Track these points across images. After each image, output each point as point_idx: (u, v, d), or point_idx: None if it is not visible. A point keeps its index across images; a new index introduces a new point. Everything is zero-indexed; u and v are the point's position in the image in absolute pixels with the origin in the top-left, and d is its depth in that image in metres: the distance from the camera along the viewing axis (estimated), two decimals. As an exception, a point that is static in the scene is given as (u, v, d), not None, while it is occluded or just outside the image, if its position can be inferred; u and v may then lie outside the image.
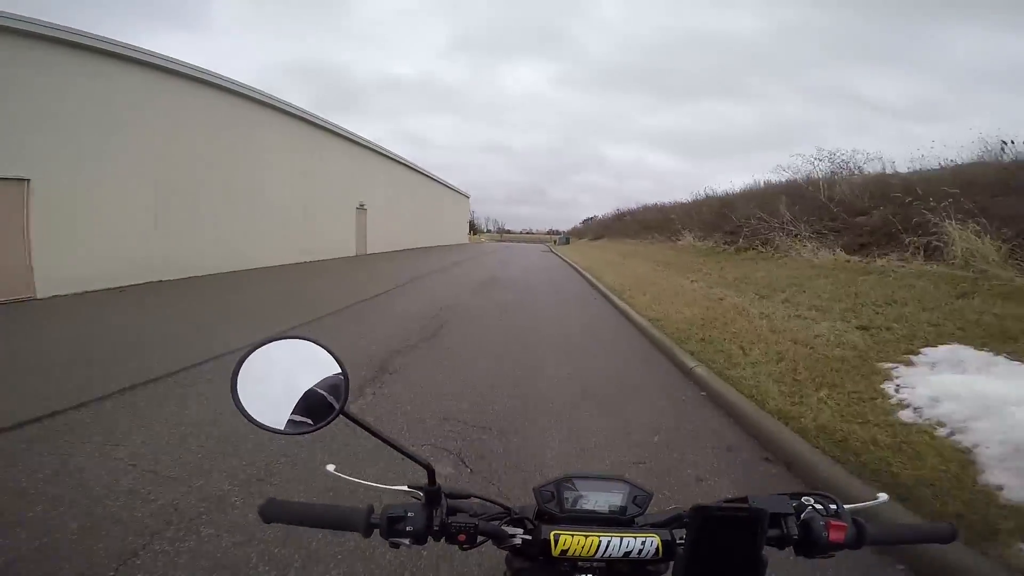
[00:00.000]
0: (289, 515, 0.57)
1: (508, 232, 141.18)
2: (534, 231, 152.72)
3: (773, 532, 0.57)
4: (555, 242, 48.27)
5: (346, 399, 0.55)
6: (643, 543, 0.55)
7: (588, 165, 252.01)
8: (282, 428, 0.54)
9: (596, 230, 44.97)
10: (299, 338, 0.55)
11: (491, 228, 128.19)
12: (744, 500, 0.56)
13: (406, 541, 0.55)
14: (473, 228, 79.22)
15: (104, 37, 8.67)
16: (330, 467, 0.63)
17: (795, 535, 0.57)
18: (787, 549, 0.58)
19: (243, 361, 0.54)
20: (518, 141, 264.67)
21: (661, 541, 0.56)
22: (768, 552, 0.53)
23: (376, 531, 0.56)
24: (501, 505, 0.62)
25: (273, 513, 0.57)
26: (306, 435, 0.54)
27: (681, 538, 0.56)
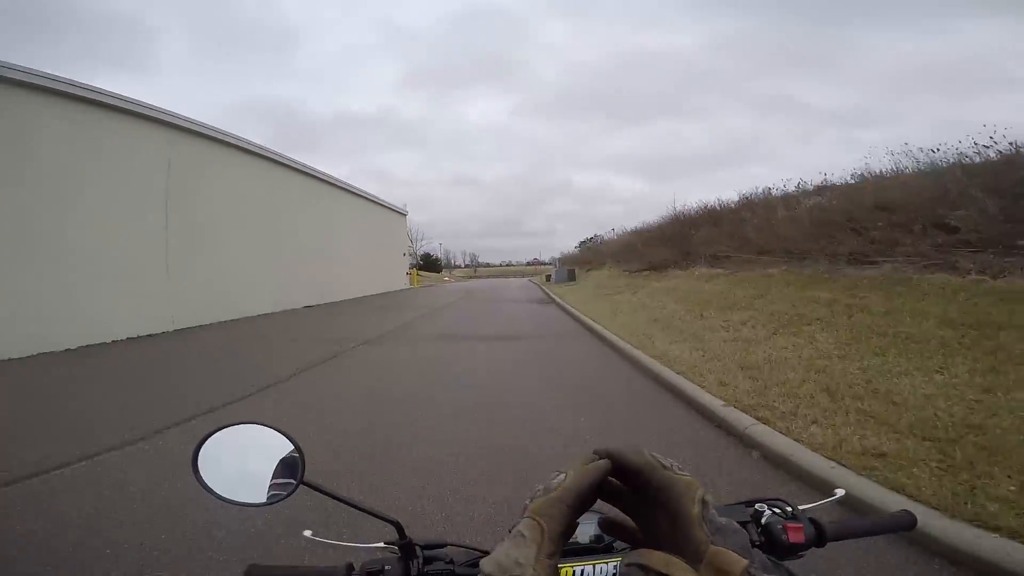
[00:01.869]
0: None
1: (486, 266, 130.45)
2: (513, 263, 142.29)
3: None
4: (547, 278, 31.06)
5: (303, 471, 0.57)
6: (615, 567, 0.55)
7: (558, 193, 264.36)
8: (250, 502, 0.56)
9: (587, 257, 34.05)
10: (251, 423, 0.58)
11: (466, 263, 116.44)
12: None
13: None
14: (428, 263, 65.10)
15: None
16: (307, 532, 0.67)
17: (758, 541, 0.57)
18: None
19: (202, 445, 0.56)
20: (486, 173, 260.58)
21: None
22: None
23: None
24: (477, 549, 0.63)
25: None
26: (275, 505, 0.57)
27: None
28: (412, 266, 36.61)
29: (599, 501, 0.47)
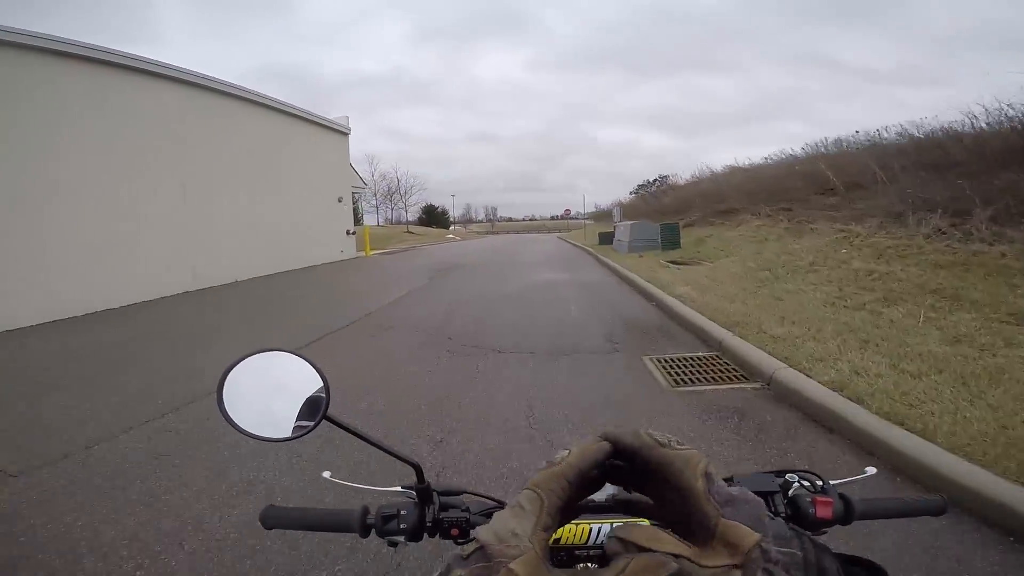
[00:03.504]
0: (288, 520, 0.60)
1: (508, 220, 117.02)
2: (537, 217, 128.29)
3: None
4: (601, 239, 17.90)
5: (328, 405, 0.55)
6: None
7: (581, 149, 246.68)
8: (271, 436, 0.55)
9: (656, 206, 20.73)
10: (278, 350, 0.57)
11: (484, 218, 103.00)
12: (729, 480, 0.55)
13: (401, 538, 0.56)
14: (431, 216, 52.10)
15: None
16: (325, 474, 0.64)
17: (783, 513, 0.56)
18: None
19: (227, 375, 0.55)
20: (505, 129, 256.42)
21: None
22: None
23: (372, 531, 0.57)
24: (494, 499, 0.62)
25: (273, 519, 0.60)
26: (295, 440, 0.54)
27: None
28: (359, 222, 23.79)
29: (608, 484, 0.49)
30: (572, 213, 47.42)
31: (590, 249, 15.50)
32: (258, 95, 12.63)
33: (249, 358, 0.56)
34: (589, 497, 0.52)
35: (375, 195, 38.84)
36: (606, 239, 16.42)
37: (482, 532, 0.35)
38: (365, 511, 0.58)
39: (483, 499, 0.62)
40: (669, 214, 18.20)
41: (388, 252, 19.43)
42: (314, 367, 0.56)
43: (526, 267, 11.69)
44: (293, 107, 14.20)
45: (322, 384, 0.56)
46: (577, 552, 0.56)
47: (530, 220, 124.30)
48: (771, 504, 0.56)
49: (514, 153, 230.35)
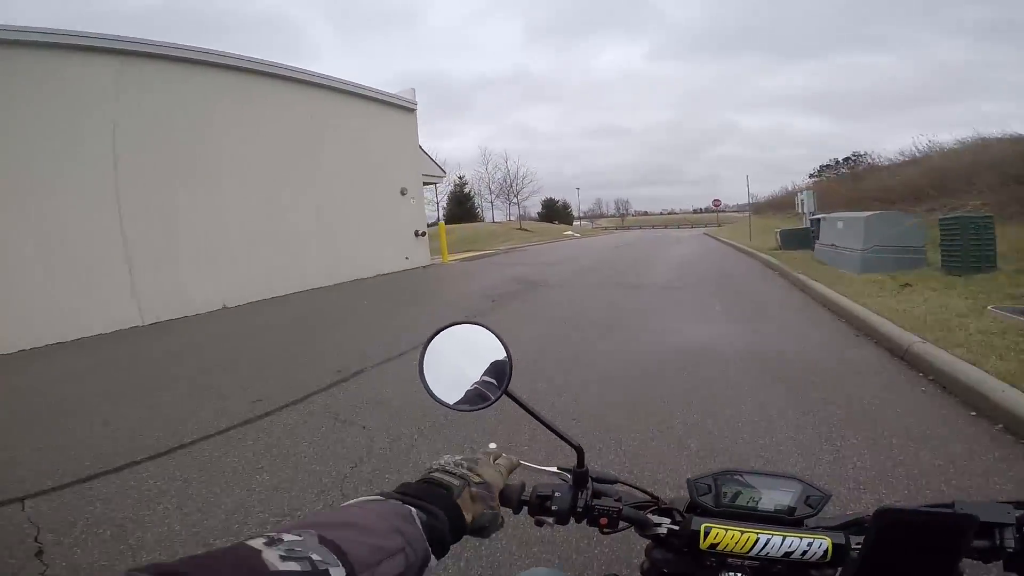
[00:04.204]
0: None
1: (643, 215, 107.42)
2: (677, 211, 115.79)
3: (982, 543, 0.48)
4: (782, 240, 11.36)
5: (509, 380, 0.57)
6: (809, 544, 0.49)
7: (721, 138, 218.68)
8: (457, 405, 0.58)
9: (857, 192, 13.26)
10: (473, 323, 0.60)
11: (615, 212, 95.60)
12: (949, 505, 0.48)
13: (550, 520, 0.56)
14: (551, 211, 47.34)
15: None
16: (492, 445, 0.64)
17: (1010, 548, 0.48)
18: (995, 565, 0.50)
19: (429, 343, 0.58)
20: (632, 122, 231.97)
21: (832, 544, 0.49)
22: (970, 566, 0.47)
23: (524, 508, 0.58)
24: (649, 494, 0.60)
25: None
26: (476, 411, 0.58)
27: (858, 543, 0.49)
28: (437, 218, 20.18)
29: (792, 481, 0.54)
30: (722, 205, 39.08)
31: (769, 258, 9.46)
32: (284, 68, 9.53)
33: (449, 329, 0.59)
34: (756, 506, 0.53)
35: (490, 190, 36.06)
36: (794, 240, 10.17)
37: (485, 472, 0.53)
38: (522, 487, 0.58)
39: (637, 491, 0.60)
40: (871, 202, 11.19)
41: (478, 256, 15.58)
42: (501, 342, 0.58)
43: (650, 294, 6.56)
44: (335, 80, 10.93)
45: (507, 359, 0.58)
46: (730, 560, 0.52)
47: (668, 214, 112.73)
48: (996, 537, 0.48)
49: (646, 145, 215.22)
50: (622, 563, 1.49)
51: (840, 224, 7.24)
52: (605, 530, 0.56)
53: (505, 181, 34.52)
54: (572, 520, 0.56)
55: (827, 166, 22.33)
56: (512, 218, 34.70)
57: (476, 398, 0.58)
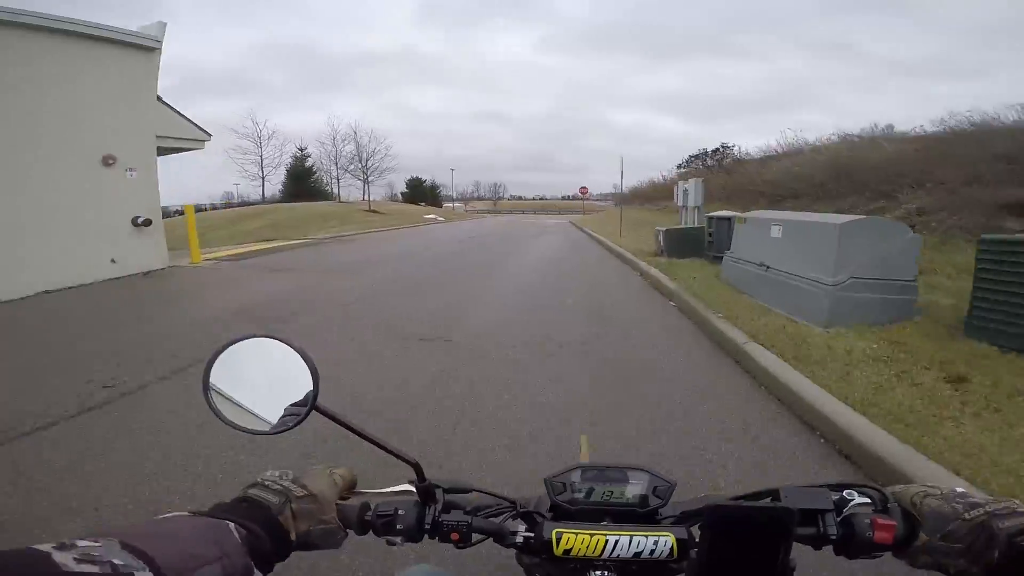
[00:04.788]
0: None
1: (518, 199, 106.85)
2: (547, 197, 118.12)
3: (808, 530, 0.50)
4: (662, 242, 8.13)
5: (317, 394, 0.51)
6: (655, 543, 0.50)
7: (593, 131, 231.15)
8: (259, 429, 0.52)
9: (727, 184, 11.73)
10: (263, 336, 0.53)
11: (493, 196, 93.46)
12: (775, 493, 0.51)
13: (398, 540, 0.54)
14: (416, 191, 43.59)
15: None
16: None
17: (833, 534, 0.49)
18: (826, 549, 0.50)
19: (212, 363, 0.52)
20: (514, 109, 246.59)
21: (676, 540, 0.50)
22: (803, 551, 0.49)
23: (371, 530, 0.54)
24: (506, 499, 0.57)
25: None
26: (284, 433, 0.51)
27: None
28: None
29: (640, 473, 0.55)
30: (589, 193, 38.32)
31: (659, 274, 6.47)
32: None
33: (234, 345, 0.53)
34: (612, 493, 0.54)
35: (337, 165, 29.90)
36: (683, 244, 7.45)
37: (314, 483, 0.49)
38: (365, 508, 0.55)
39: (493, 497, 0.57)
40: (756, 196, 9.45)
41: (259, 252, 10.66)
42: (302, 355, 0.52)
43: (452, 367, 2.95)
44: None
45: (310, 373, 0.52)
46: (596, 563, 0.51)
47: (540, 200, 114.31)
48: (820, 523, 0.49)
49: (525, 133, 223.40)
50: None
51: (776, 231, 4.39)
52: (459, 545, 0.53)
53: (356, 156, 28.77)
54: (425, 537, 0.54)
55: (696, 156, 21.52)
56: (369, 198, 29.07)
57: (282, 418, 0.51)
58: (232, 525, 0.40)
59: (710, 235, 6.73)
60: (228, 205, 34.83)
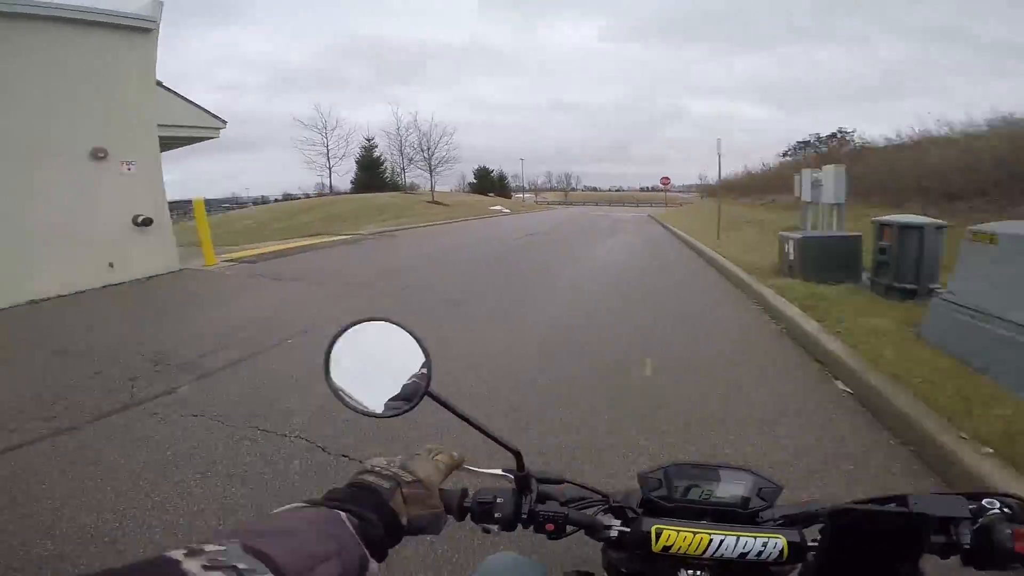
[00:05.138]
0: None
1: (592, 190, 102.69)
2: (624, 188, 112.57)
3: (938, 539, 0.47)
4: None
5: (430, 381, 0.52)
6: (764, 544, 0.48)
7: (671, 120, 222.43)
8: (374, 411, 0.53)
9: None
10: (383, 320, 0.54)
11: (560, 186, 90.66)
12: (902, 499, 0.48)
13: (495, 528, 0.54)
14: (483, 182, 42.68)
15: None
16: (428, 447, 0.60)
17: (967, 544, 0.47)
18: (953, 559, 0.47)
19: (333, 345, 0.53)
20: (586, 98, 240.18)
21: (787, 543, 0.48)
22: (927, 560, 0.46)
23: (468, 515, 0.55)
24: (599, 492, 0.57)
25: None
26: (395, 417, 0.52)
27: (814, 539, 0.49)
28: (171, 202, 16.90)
29: (741, 473, 0.53)
30: (671, 184, 34.66)
31: (784, 305, 4.18)
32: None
33: (353, 328, 0.54)
34: (711, 492, 0.52)
35: (402, 155, 29.16)
36: (821, 261, 4.94)
37: (420, 470, 0.49)
38: (464, 493, 0.55)
39: (584, 489, 0.58)
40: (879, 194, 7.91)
41: (294, 250, 9.50)
42: (418, 341, 0.53)
43: None
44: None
45: (425, 360, 0.53)
46: (691, 561, 0.50)
47: (616, 191, 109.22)
48: (952, 532, 0.47)
49: (598, 123, 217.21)
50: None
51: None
52: (552, 536, 0.53)
53: (420, 146, 27.83)
54: (519, 527, 0.54)
55: (806, 143, 17.72)
56: (432, 189, 28.13)
57: (394, 402, 0.52)
58: (345, 516, 0.40)
59: (882, 251, 4.23)
60: (287, 197, 35.65)
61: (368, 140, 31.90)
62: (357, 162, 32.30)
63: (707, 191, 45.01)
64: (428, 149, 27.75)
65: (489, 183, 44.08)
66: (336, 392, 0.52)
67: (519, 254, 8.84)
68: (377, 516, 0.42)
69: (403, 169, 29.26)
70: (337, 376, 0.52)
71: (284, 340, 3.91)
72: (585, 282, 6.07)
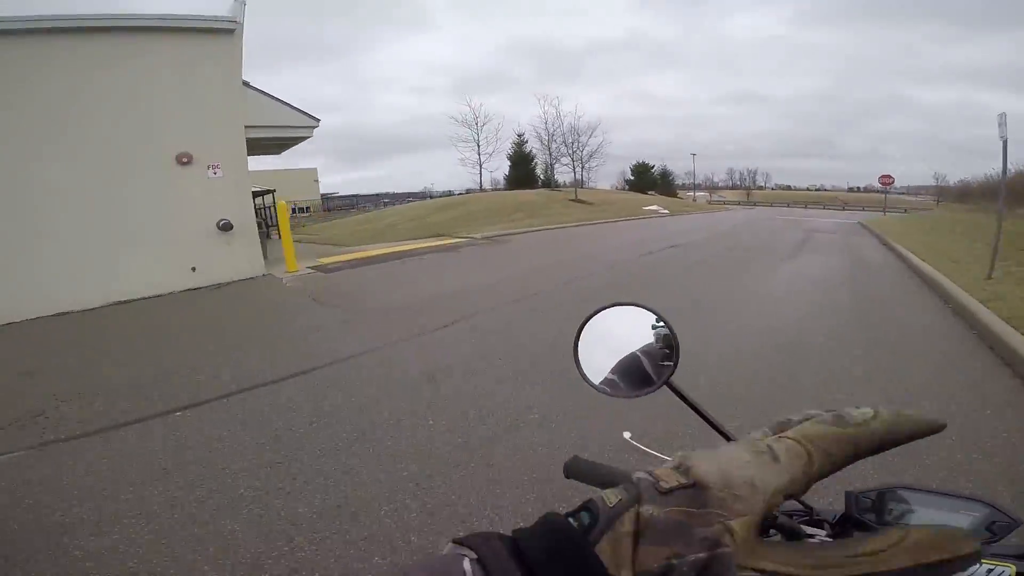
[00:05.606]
0: (585, 475, 0.56)
1: (785, 188, 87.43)
2: (827, 188, 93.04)
3: None
4: None
5: (674, 370, 0.51)
6: (989, 571, 0.43)
7: (886, 111, 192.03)
8: (611, 391, 0.54)
9: None
10: (637, 306, 0.54)
11: (749, 184, 79.40)
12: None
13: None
14: (641, 178, 37.56)
15: None
16: (626, 434, 0.64)
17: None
18: None
19: (585, 323, 0.55)
20: (777, 89, 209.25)
21: (1016, 572, 0.44)
22: None
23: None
24: (803, 503, 0.53)
25: (574, 470, 0.57)
26: (631, 399, 0.53)
27: None
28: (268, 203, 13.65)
29: None
30: (893, 183, 26.22)
31: None
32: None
33: (609, 309, 0.55)
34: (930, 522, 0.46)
35: (549, 150, 27.56)
36: None
37: (703, 464, 0.25)
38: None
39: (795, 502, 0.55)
40: None
41: (391, 256, 8.71)
42: (669, 328, 0.53)
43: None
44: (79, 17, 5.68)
45: (673, 347, 0.52)
46: None
47: (817, 190, 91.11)
48: None
49: (791, 115, 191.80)
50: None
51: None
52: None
53: (565, 140, 25.96)
54: None
55: None
56: (576, 185, 26.07)
57: (635, 385, 0.53)
58: (468, 563, 0.23)
59: None
60: (446, 194, 37.08)
61: (519, 136, 31.44)
62: (509, 158, 32.18)
63: (947, 194, 33.03)
64: (572, 144, 25.79)
65: (649, 180, 39.84)
66: (580, 370, 0.52)
67: (630, 279, 6.44)
68: (551, 563, 0.22)
69: (549, 164, 27.90)
70: (585, 354, 0.53)
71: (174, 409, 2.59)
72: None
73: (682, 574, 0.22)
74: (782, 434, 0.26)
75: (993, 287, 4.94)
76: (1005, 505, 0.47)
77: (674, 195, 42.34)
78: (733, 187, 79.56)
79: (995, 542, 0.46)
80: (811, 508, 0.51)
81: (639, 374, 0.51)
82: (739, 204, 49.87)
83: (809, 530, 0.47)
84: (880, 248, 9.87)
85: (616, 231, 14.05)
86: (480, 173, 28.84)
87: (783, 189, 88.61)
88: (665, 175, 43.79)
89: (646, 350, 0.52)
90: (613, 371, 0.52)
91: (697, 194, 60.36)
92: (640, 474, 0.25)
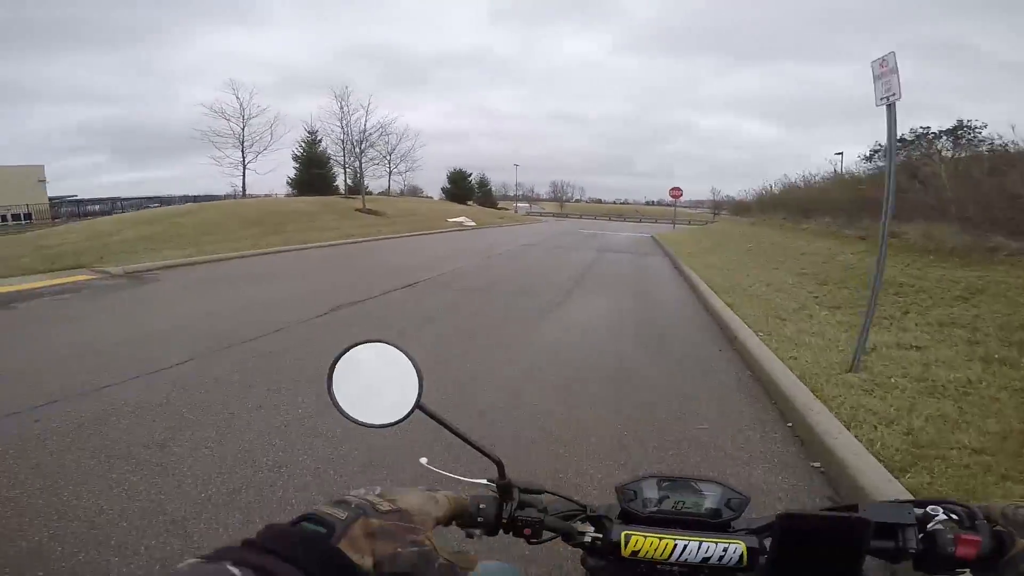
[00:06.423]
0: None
1: (596, 202, 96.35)
2: (629, 202, 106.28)
3: (887, 544, 0.50)
4: None
5: (421, 394, 0.56)
6: (724, 549, 0.50)
7: (675, 135, 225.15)
8: (371, 423, 0.57)
9: None
10: (380, 342, 0.59)
11: (562, 196, 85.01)
12: (853, 508, 0.51)
13: (478, 532, 0.57)
14: (458, 187, 37.24)
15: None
16: (423, 460, 0.66)
17: (913, 548, 0.49)
18: (906, 564, 0.51)
19: (336, 364, 0.57)
20: (590, 111, 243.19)
21: (746, 548, 0.50)
22: (883, 567, 0.50)
23: (453, 521, 0.58)
24: (576, 502, 0.60)
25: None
26: (392, 427, 0.56)
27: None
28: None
29: (713, 485, 0.54)
30: (682, 197, 28.72)
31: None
32: None
33: (353, 349, 0.58)
34: (683, 503, 0.54)
35: (343, 149, 22.91)
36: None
37: (405, 498, 0.43)
38: None
39: (563, 500, 0.60)
40: None
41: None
42: (409, 358, 0.57)
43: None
44: None
45: (417, 376, 0.57)
46: (659, 567, 0.53)
47: (621, 203, 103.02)
48: (899, 538, 0.49)
49: (602, 135, 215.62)
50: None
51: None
52: (531, 540, 0.56)
53: (370, 138, 21.66)
54: (500, 532, 0.57)
55: (907, 142, 11.57)
56: (363, 193, 21.56)
57: (388, 414, 0.57)
58: (235, 570, 0.28)
59: None
60: (184, 199, 28.95)
61: (310, 133, 25.88)
62: (296, 159, 26.35)
63: (721, 207, 38.90)
64: (362, 143, 21.69)
65: (467, 189, 37.83)
66: (336, 405, 0.55)
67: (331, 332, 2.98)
68: (309, 565, 0.31)
69: (356, 169, 23.06)
70: (339, 391, 0.56)
71: None
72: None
73: (406, 558, 0.36)
74: (444, 492, 0.47)
75: (868, 399, 2.62)
76: (733, 484, 0.55)
77: (494, 205, 41.26)
78: (556, 199, 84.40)
79: (736, 518, 0.53)
80: (585, 506, 0.57)
81: (395, 403, 0.55)
82: (554, 216, 51.97)
83: (580, 528, 0.55)
84: (675, 280, 8.27)
85: (364, 254, 10.51)
86: (244, 175, 22.47)
87: (595, 202, 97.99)
88: (483, 184, 42.43)
89: (395, 381, 0.55)
90: (370, 403, 0.55)
91: (519, 205, 61.71)
92: (355, 499, 0.38)
